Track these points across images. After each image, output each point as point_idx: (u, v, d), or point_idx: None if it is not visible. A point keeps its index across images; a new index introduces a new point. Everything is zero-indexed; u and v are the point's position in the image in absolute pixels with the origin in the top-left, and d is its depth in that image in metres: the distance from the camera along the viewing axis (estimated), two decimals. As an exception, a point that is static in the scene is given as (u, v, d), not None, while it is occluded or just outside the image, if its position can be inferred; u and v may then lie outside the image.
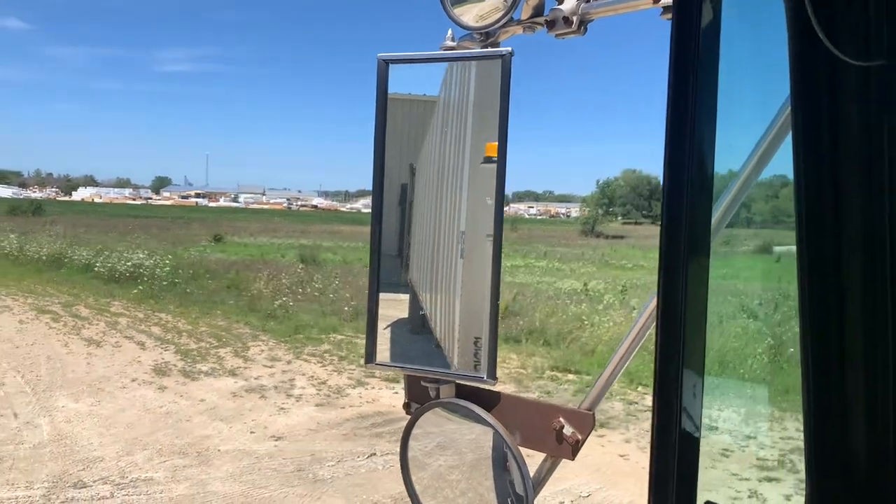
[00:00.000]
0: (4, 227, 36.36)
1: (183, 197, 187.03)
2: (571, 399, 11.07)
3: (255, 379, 11.62)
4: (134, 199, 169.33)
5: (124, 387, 10.87)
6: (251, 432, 9.07)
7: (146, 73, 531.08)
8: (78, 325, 15.27)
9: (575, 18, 1.39)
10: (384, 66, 1.45)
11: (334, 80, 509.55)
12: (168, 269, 21.37)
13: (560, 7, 1.41)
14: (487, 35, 1.49)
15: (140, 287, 19.79)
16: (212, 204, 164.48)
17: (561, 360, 13.21)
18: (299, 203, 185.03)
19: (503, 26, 1.46)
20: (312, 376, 11.93)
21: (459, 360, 1.46)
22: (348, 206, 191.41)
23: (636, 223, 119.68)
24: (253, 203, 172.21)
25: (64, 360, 12.23)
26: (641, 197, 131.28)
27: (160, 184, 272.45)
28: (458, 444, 1.62)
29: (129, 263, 21.59)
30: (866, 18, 0.78)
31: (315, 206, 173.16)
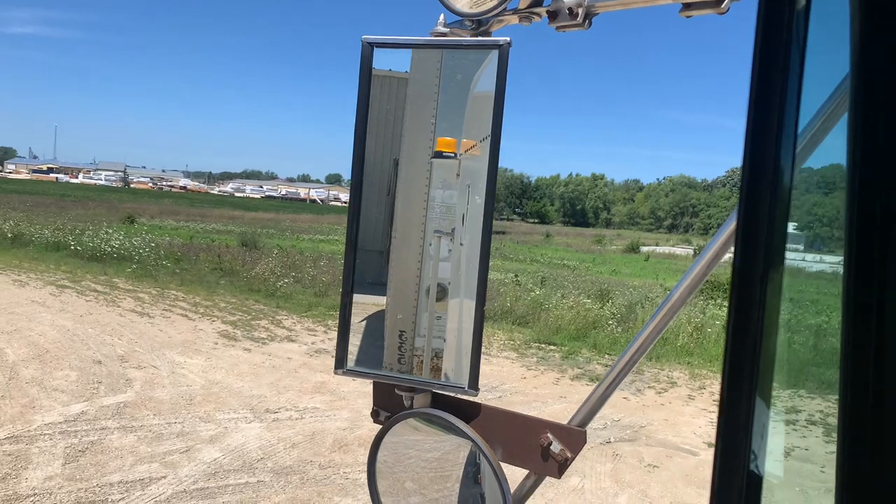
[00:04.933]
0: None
1: (35, 171, 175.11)
2: (562, 363, 14.56)
3: (313, 344, 14.24)
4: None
5: (214, 348, 13.20)
6: (353, 379, 11.83)
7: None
8: (109, 300, 17.01)
9: (580, 10, 1.31)
10: (369, 49, 1.38)
11: (199, 55, 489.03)
12: (150, 250, 22.95)
13: None
14: (479, 23, 1.41)
15: (133, 266, 21.37)
16: (72, 180, 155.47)
17: (538, 336, 16.71)
18: (164, 183, 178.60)
19: (498, 14, 1.38)
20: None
21: (388, 359, 1.48)
22: (218, 189, 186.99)
23: (508, 219, 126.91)
24: (114, 181, 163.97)
25: (134, 328, 14.23)
26: (513, 195, 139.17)
27: (4, 155, 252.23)
28: (430, 454, 1.59)
29: (116, 244, 22.93)
30: None
31: (184, 188, 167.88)
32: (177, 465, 7.66)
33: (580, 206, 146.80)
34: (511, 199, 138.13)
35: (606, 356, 15.36)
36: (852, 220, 0.74)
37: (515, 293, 20.29)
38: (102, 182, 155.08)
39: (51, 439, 8.06)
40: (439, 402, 1.48)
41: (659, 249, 65.75)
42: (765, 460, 0.82)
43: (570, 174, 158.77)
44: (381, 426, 1.51)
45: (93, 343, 12.65)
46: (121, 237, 24.45)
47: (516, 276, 26.71)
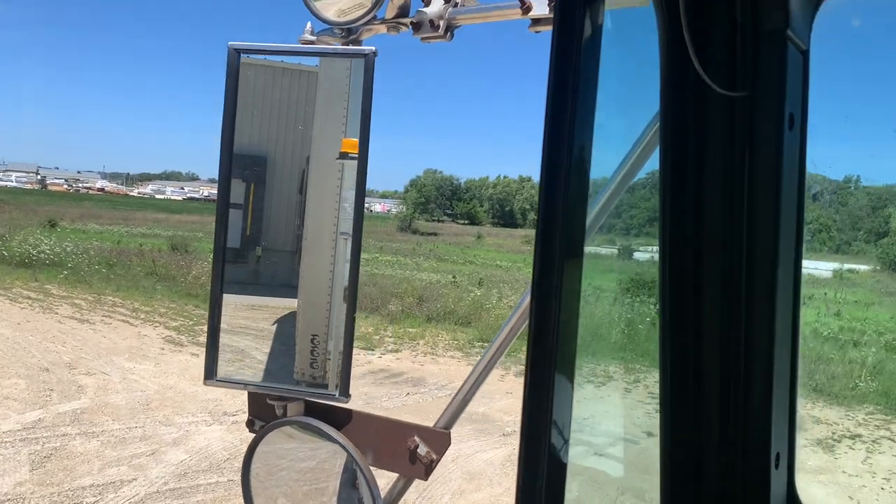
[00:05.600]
0: None
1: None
2: (505, 361, 15.06)
3: (261, 348, 14.33)
4: None
5: (162, 353, 13.17)
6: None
7: None
8: (45, 306, 16.63)
9: (441, 23, 1.38)
10: (235, 56, 1.37)
11: (111, 54, 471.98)
12: (81, 255, 22.40)
13: (426, 10, 1.41)
14: (349, 32, 1.45)
15: (66, 272, 20.83)
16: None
17: (481, 335, 17.21)
18: (81, 185, 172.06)
19: (366, 24, 1.43)
20: (304, 346, 14.90)
21: (299, 364, 1.48)
22: (137, 190, 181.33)
23: (439, 221, 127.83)
24: (26, 183, 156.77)
25: (76, 335, 14.02)
26: (444, 196, 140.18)
27: None
28: (305, 464, 1.60)
29: (47, 249, 22.30)
30: (733, 50, 0.81)
31: (102, 190, 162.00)
32: (145, 468, 7.78)
33: (509, 208, 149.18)
34: (441, 201, 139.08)
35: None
36: (665, 216, 0.81)
37: (457, 294, 20.79)
38: (14, 184, 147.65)
39: (12, 446, 8.03)
40: (313, 409, 1.48)
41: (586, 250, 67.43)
42: (569, 441, 0.85)
43: (499, 176, 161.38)
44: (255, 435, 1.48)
45: (36, 350, 12.44)
46: (51, 242, 23.76)
47: (454, 277, 27.25)
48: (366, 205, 1.43)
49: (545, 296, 0.83)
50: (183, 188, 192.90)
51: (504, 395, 12.05)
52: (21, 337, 13.30)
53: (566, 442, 0.85)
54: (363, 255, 1.45)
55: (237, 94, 1.38)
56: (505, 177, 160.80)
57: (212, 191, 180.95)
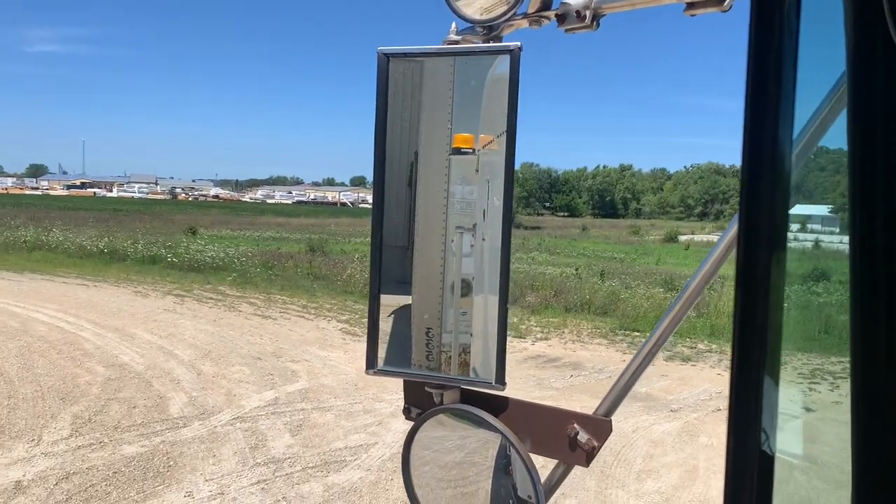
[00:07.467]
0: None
1: (70, 186, 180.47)
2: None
3: (426, 338, 15.90)
4: (21, 189, 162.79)
5: (345, 342, 14.92)
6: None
7: (9, 52, 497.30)
8: (228, 305, 18.86)
9: (588, 13, 1.36)
10: (385, 61, 1.41)
11: (217, 65, 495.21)
12: (246, 259, 24.88)
13: (570, 1, 1.38)
14: (490, 29, 1.45)
15: (234, 275, 23.27)
16: (108, 194, 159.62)
17: (621, 324, 18.24)
18: (196, 193, 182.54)
19: (508, 20, 1.43)
20: (463, 335, 16.37)
21: (416, 356, 1.50)
22: (248, 196, 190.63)
23: (539, 214, 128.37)
24: (148, 193, 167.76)
25: (266, 329, 15.99)
26: (542, 189, 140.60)
27: (35, 172, 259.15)
28: (455, 453, 1.63)
29: (214, 255, 24.92)
30: None
31: (217, 197, 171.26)
32: (379, 434, 9.34)
33: (609, 198, 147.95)
34: (540, 194, 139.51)
35: (687, 339, 16.84)
36: (855, 203, 0.76)
37: (586, 286, 21.85)
38: (137, 194, 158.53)
39: (268, 419, 9.77)
40: (468, 397, 1.53)
41: (697, 238, 66.52)
42: (776, 438, 0.84)
43: (598, 166, 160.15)
44: (412, 422, 1.57)
45: (241, 343, 14.41)
46: (214, 249, 26.42)
47: (577, 270, 28.24)
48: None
49: (751, 291, 0.81)
50: (290, 192, 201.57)
51: (660, 378, 13.05)
52: (223, 332, 15.35)
53: (773, 439, 0.85)
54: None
55: (388, 98, 1.42)
56: (605, 166, 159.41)
57: (318, 193, 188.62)
